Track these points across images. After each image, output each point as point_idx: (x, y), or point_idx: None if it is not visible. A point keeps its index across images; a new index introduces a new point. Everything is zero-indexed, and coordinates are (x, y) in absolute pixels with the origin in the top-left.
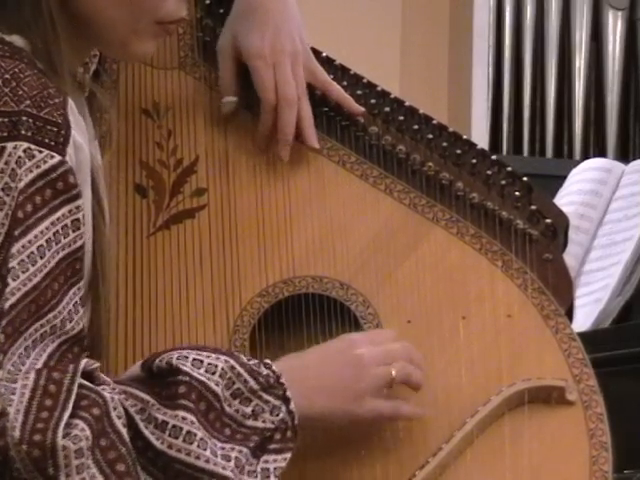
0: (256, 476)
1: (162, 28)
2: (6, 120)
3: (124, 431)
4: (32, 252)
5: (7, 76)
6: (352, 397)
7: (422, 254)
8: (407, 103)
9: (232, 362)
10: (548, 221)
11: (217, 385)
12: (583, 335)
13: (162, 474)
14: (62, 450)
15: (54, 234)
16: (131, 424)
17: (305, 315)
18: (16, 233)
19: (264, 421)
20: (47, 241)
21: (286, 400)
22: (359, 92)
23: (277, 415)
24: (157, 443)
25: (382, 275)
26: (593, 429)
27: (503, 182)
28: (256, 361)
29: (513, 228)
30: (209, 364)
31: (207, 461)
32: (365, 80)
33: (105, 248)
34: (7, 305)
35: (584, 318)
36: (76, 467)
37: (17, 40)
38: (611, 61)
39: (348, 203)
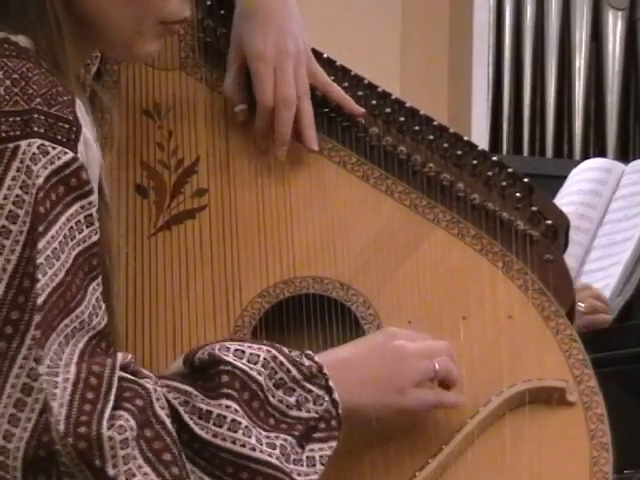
0: (302, 464)
1: (165, 28)
2: (18, 119)
3: (168, 421)
4: (55, 248)
5: (15, 76)
6: (395, 389)
7: (423, 255)
8: (408, 104)
9: (274, 352)
10: (549, 222)
11: (260, 375)
12: (583, 335)
13: (209, 464)
14: (108, 441)
15: (69, 230)
16: (175, 416)
17: (306, 316)
18: (40, 229)
19: (308, 411)
20: (64, 237)
21: (329, 390)
22: (360, 93)
23: (321, 405)
24: (202, 433)
25: (383, 276)
26: (594, 430)
27: (504, 183)
28: (298, 352)
29: (514, 229)
30: (251, 354)
31: (253, 449)
32: (366, 81)
33: (112, 246)
34: (40, 301)
35: None
36: (123, 457)
37: (22, 40)
38: (611, 61)
39: (349, 204)
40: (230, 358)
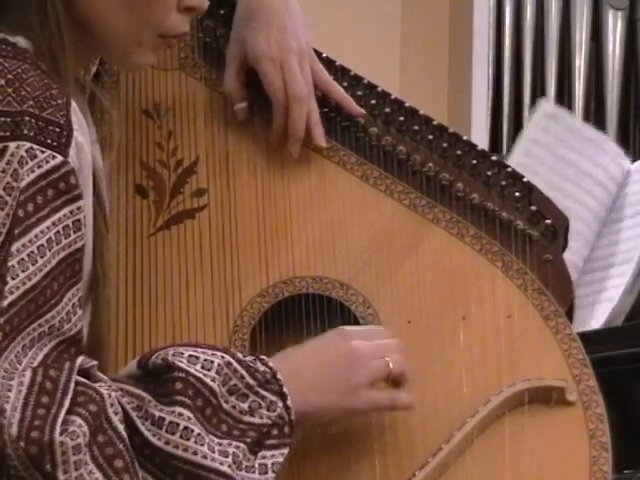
0: (254, 472)
1: (164, 41)
2: (9, 120)
3: (121, 427)
4: (32, 251)
5: (10, 76)
6: (347, 390)
7: (422, 254)
8: (407, 104)
9: (228, 358)
10: (548, 222)
11: (213, 381)
12: (585, 335)
13: (160, 471)
14: (60, 446)
15: (55, 234)
16: (128, 421)
17: (305, 315)
18: (16, 232)
19: (261, 417)
20: (48, 241)
21: (283, 396)
22: (359, 93)
23: (274, 411)
24: (154, 440)
25: (382, 275)
26: (593, 429)
27: (503, 183)
28: (252, 357)
29: (513, 229)
30: (205, 360)
31: (205, 457)
32: (365, 81)
33: (105, 251)
34: (5, 303)
35: (594, 317)
36: (74, 463)
37: (21, 41)
38: (611, 61)
39: (348, 204)
40: (184, 364)
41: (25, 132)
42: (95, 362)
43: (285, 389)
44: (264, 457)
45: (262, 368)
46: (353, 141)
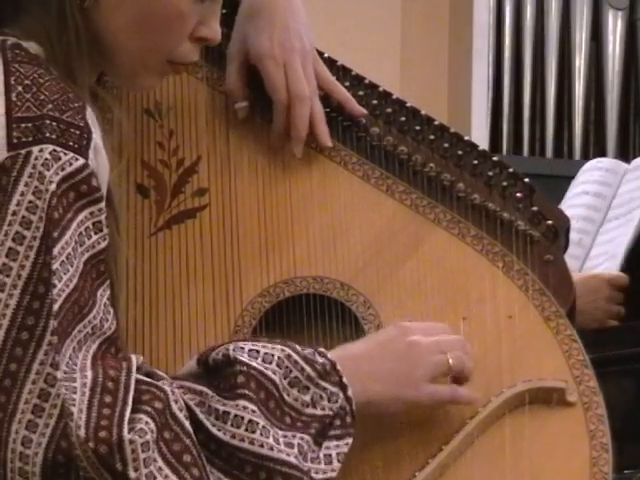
0: (320, 462)
1: (172, 67)
2: (30, 125)
3: (187, 423)
4: (69, 253)
5: (27, 82)
6: (408, 383)
7: (423, 255)
8: (409, 104)
9: (288, 351)
10: (549, 222)
11: (275, 374)
12: (585, 334)
13: (227, 464)
14: (129, 444)
15: (79, 236)
16: (192, 417)
17: (306, 315)
18: (55, 234)
19: (323, 408)
20: (75, 243)
21: (343, 386)
22: (361, 93)
23: (335, 402)
24: (220, 434)
25: (383, 276)
26: (593, 430)
27: (504, 183)
28: (311, 350)
29: (514, 229)
30: (265, 353)
31: (271, 448)
32: (367, 81)
33: (118, 255)
34: (56, 307)
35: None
36: (144, 460)
37: (33, 47)
38: (611, 61)
39: (349, 204)
40: (245, 358)
41: (47, 135)
42: (146, 360)
43: (345, 380)
44: (328, 447)
45: (321, 360)
46: (354, 141)
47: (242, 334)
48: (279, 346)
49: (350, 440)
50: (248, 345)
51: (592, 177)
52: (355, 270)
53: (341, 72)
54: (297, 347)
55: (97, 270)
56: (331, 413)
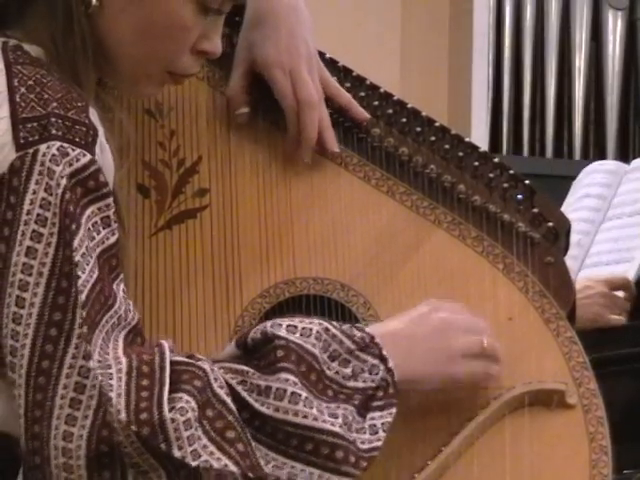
0: (365, 432)
1: (172, 78)
2: (35, 124)
3: (228, 400)
4: (88, 246)
5: (30, 82)
6: (446, 360)
7: (423, 256)
8: (410, 105)
9: (326, 325)
10: (550, 224)
11: (314, 347)
12: (586, 334)
13: (272, 439)
14: (171, 423)
15: (87, 231)
16: (234, 396)
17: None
18: (73, 227)
19: (364, 381)
20: (86, 238)
21: (383, 359)
22: (362, 94)
23: (377, 374)
24: (263, 408)
25: (383, 277)
26: (593, 432)
27: (505, 185)
28: (348, 325)
29: (515, 231)
30: (304, 328)
31: (315, 419)
32: (368, 82)
33: (124, 253)
34: (83, 297)
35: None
36: (187, 438)
37: (35, 50)
38: (611, 61)
39: (350, 205)
40: (283, 333)
41: (53, 132)
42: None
43: (385, 352)
44: (373, 418)
45: (359, 334)
46: (355, 142)
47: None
48: (317, 321)
49: (394, 410)
50: (286, 321)
51: (594, 180)
52: (355, 271)
53: (342, 73)
54: (334, 322)
55: (109, 264)
56: (373, 385)
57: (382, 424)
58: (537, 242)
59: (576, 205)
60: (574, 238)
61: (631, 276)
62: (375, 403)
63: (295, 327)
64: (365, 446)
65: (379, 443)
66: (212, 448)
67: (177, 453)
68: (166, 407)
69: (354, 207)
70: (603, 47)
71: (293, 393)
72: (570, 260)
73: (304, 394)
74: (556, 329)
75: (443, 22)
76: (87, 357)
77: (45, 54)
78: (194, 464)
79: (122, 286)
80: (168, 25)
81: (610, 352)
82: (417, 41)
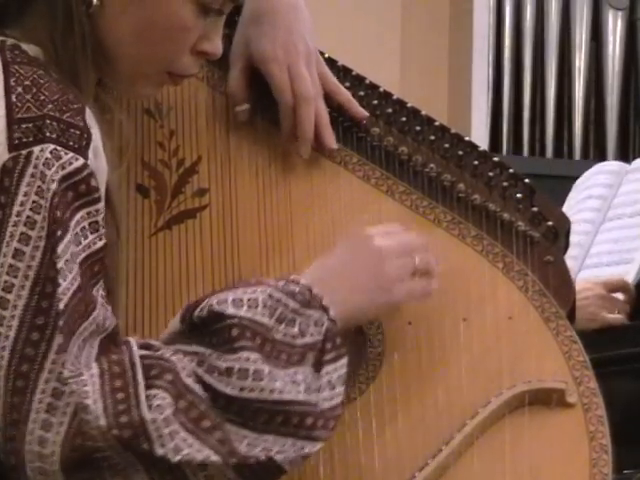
0: (324, 390)
1: (171, 78)
2: (30, 125)
3: (197, 387)
4: (73, 252)
5: (27, 83)
6: (382, 287)
7: None
8: (409, 104)
9: (269, 290)
10: (550, 223)
11: (263, 316)
12: (586, 334)
13: (241, 417)
14: (152, 423)
15: (75, 236)
16: (199, 381)
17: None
18: (59, 233)
19: (312, 334)
20: (77, 242)
21: (325, 309)
22: (361, 93)
23: (322, 325)
24: (228, 389)
25: None
26: (593, 432)
27: (505, 184)
28: (284, 281)
29: (514, 230)
30: (249, 299)
31: (281, 392)
32: (367, 81)
33: (116, 259)
34: (62, 305)
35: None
36: (168, 435)
37: (32, 49)
38: (611, 61)
39: (349, 204)
40: (232, 310)
41: (48, 134)
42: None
43: (325, 302)
44: (327, 373)
45: (298, 288)
46: (355, 141)
47: None
48: (259, 287)
49: (345, 360)
50: (230, 295)
51: (597, 181)
52: None
53: (342, 72)
54: (272, 282)
55: (92, 270)
56: (320, 337)
57: (338, 377)
58: (537, 241)
59: (579, 206)
60: (575, 239)
61: (631, 278)
62: (327, 356)
63: (241, 300)
64: (328, 404)
65: (339, 398)
66: (191, 440)
67: (160, 451)
68: (145, 407)
69: (354, 206)
70: (603, 47)
71: (256, 371)
72: (570, 260)
73: (267, 369)
74: (556, 328)
75: (443, 22)
76: (63, 365)
77: (44, 54)
78: (176, 460)
79: (102, 292)
80: (169, 26)
81: (610, 352)
82: (417, 41)
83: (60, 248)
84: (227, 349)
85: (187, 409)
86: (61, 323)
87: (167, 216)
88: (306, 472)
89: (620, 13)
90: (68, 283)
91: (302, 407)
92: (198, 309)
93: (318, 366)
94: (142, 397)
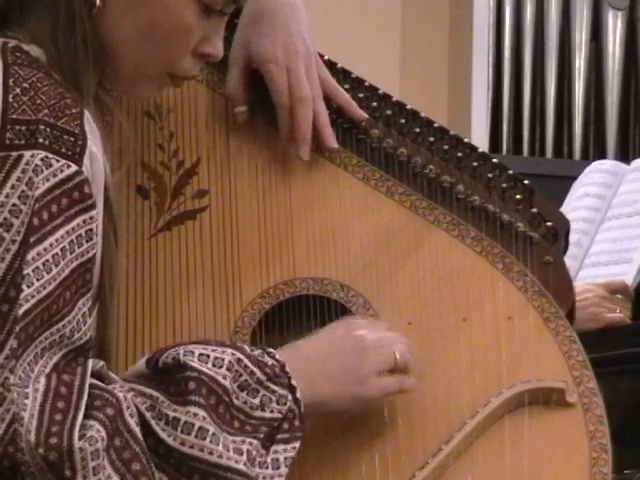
0: (267, 467)
1: (171, 80)
2: (23, 128)
3: (137, 430)
4: (47, 260)
5: (25, 85)
6: (356, 379)
7: (423, 256)
8: (408, 106)
9: (238, 355)
10: (549, 224)
11: (225, 379)
12: (587, 335)
13: (176, 471)
14: (79, 452)
15: (69, 243)
16: (142, 421)
17: (305, 317)
18: (31, 240)
19: (272, 411)
20: (62, 250)
21: (292, 388)
22: (361, 95)
23: (284, 404)
24: (170, 440)
25: (383, 277)
26: (593, 431)
27: (504, 185)
28: (259, 351)
29: (514, 231)
30: (215, 358)
31: (220, 456)
32: (367, 83)
33: (114, 264)
34: (21, 312)
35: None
36: (93, 468)
37: (34, 50)
38: (611, 61)
39: (349, 205)
40: (196, 363)
41: (40, 141)
42: (103, 362)
43: (294, 381)
44: (276, 452)
45: (270, 362)
46: (354, 143)
47: (241, 335)
48: (229, 350)
49: (298, 444)
50: (198, 349)
51: (593, 179)
52: (355, 271)
53: (341, 74)
54: (246, 349)
55: (83, 278)
56: (280, 416)
57: (285, 458)
58: (536, 242)
59: (575, 204)
60: (573, 237)
61: (630, 278)
62: (280, 436)
63: (207, 356)
64: None
65: (280, 479)
66: (116, 479)
67: None
68: (76, 435)
69: (353, 208)
70: (603, 47)
71: (201, 428)
72: (569, 260)
73: (212, 429)
74: (555, 328)
75: (443, 22)
76: (11, 371)
77: (45, 55)
78: None
79: (88, 304)
80: (171, 26)
81: (610, 352)
82: (417, 41)
83: (30, 255)
84: (180, 400)
85: (121, 448)
86: (17, 329)
87: (167, 217)
88: (307, 472)
89: (620, 13)
90: (33, 290)
91: (239, 477)
92: (164, 355)
93: (268, 443)
94: (77, 424)
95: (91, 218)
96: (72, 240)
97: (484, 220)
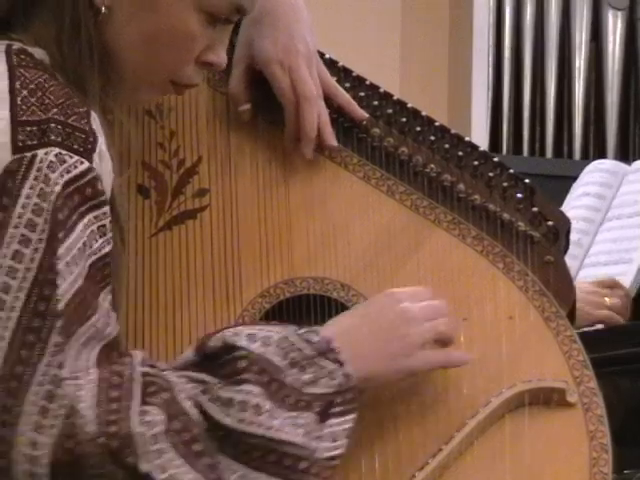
0: (325, 440)
1: (174, 88)
2: (35, 129)
3: (194, 412)
4: (74, 255)
5: (32, 86)
6: (402, 353)
7: (423, 256)
8: (409, 105)
9: (285, 332)
10: (550, 223)
11: (274, 355)
12: (585, 335)
13: (236, 450)
14: (139, 437)
15: (87, 238)
16: (199, 407)
17: (306, 316)
18: (60, 235)
19: (323, 386)
20: (83, 245)
21: (341, 363)
22: (362, 94)
23: (334, 379)
24: (226, 420)
25: (384, 276)
26: (593, 431)
27: (505, 184)
28: (305, 329)
29: (515, 230)
30: (263, 337)
31: (278, 430)
32: (368, 82)
33: (119, 266)
34: (59, 307)
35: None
36: (155, 452)
37: (38, 52)
38: (611, 61)
39: (350, 204)
40: (244, 343)
41: (52, 138)
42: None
43: (342, 356)
44: (332, 425)
45: (316, 338)
46: (355, 142)
47: None
48: (276, 328)
49: (354, 415)
50: (246, 330)
51: (593, 179)
52: (355, 271)
53: (342, 73)
54: (293, 327)
55: (102, 274)
56: (331, 390)
57: (342, 430)
58: (537, 241)
59: (574, 203)
60: (574, 237)
61: (629, 278)
62: (335, 409)
63: (255, 335)
64: (326, 454)
65: (340, 451)
66: (178, 461)
67: (144, 467)
68: (135, 420)
69: (354, 207)
70: (603, 47)
71: (256, 405)
72: (570, 259)
73: (267, 405)
74: (556, 328)
75: (443, 22)
76: (60, 366)
77: (49, 57)
78: (161, 478)
79: (109, 297)
80: (176, 34)
81: (610, 352)
82: (417, 41)
83: (61, 250)
84: (232, 380)
85: (180, 430)
86: (59, 324)
87: (168, 217)
88: None
89: (620, 13)
90: (68, 285)
91: (298, 450)
92: (212, 340)
93: (324, 416)
94: (135, 410)
95: (104, 214)
96: (86, 236)
97: (485, 219)
